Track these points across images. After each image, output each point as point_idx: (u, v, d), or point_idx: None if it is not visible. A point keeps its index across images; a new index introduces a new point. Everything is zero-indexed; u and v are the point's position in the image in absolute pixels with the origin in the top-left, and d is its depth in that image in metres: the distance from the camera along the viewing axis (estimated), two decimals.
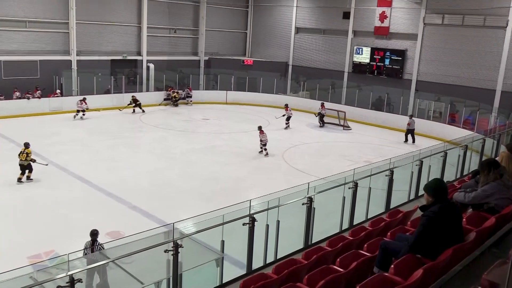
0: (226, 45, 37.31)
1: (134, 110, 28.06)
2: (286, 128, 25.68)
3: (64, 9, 28.32)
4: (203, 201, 14.38)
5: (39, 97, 26.30)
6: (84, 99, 25.78)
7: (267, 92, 33.25)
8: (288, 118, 25.81)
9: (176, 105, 30.93)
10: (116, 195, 14.71)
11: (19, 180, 15.51)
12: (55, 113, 26.29)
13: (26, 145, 16.07)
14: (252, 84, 34.02)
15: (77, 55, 28.97)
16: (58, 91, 27.73)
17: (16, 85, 26.15)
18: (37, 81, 27.20)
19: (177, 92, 31.46)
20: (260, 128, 20.76)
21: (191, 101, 31.81)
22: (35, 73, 27.57)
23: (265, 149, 20.18)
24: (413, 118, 24.53)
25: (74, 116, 25.44)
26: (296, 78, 35.03)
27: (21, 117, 24.84)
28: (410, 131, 24.13)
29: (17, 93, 26.00)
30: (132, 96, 28.35)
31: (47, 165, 16.58)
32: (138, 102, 28.16)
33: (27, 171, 15.70)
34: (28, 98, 25.90)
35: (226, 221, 7.43)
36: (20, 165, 15.65)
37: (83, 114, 25.60)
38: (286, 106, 26.20)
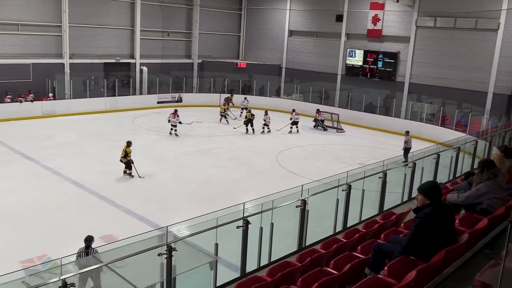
0: (220, 48, 37.33)
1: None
2: (290, 132, 25.55)
3: (56, 12, 28.23)
4: (197, 204, 14.34)
5: (31, 101, 26.17)
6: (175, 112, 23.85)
7: (261, 95, 33.30)
8: (294, 123, 25.69)
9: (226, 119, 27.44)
10: (109, 199, 14.65)
11: (129, 174, 16.79)
12: (47, 116, 26.17)
13: (128, 144, 16.82)
14: (245, 86, 34.13)
15: (70, 58, 28.87)
16: (50, 94, 27.62)
17: (8, 88, 26.01)
18: (30, 84, 27.07)
19: (228, 104, 28.88)
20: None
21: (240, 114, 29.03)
22: (28, 76, 27.43)
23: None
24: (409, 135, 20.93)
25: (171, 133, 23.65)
26: (290, 81, 35.12)
27: (13, 120, 24.72)
28: (408, 150, 19.73)
29: (9, 96, 25.86)
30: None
31: (142, 177, 16.73)
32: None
33: (124, 166, 16.72)
34: (21, 102, 25.77)
35: (220, 224, 7.41)
36: (120, 161, 16.75)
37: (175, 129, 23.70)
38: (293, 111, 26.09)
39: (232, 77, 34.36)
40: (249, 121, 24.95)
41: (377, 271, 4.82)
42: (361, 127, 28.17)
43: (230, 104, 29.50)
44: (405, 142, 20.43)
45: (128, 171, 16.80)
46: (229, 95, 31.19)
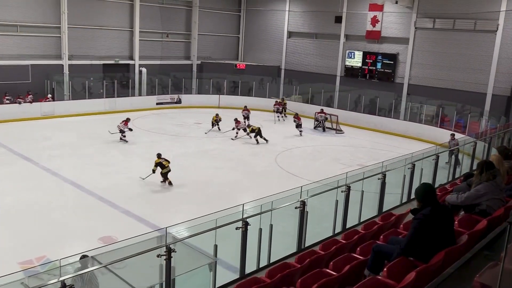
0: (219, 49, 37.31)
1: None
2: (301, 134, 25.36)
3: (55, 13, 28.22)
4: (196, 205, 14.33)
5: (30, 102, 26.15)
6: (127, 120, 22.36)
7: (260, 96, 33.31)
8: (298, 125, 25.53)
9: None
10: (108, 200, 14.63)
11: (169, 183, 16.34)
12: (46, 118, 26.15)
13: (158, 155, 16.50)
14: (244, 88, 34.13)
15: (69, 59, 28.85)
16: (49, 95, 27.58)
17: (7, 89, 25.97)
18: (29, 85, 27.04)
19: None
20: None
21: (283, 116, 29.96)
22: (27, 77, 27.40)
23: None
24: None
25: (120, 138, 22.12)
26: (289, 82, 35.12)
27: (12, 121, 24.71)
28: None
29: (8, 97, 25.83)
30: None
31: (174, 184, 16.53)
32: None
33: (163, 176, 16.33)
34: (20, 103, 25.74)
35: (219, 225, 7.41)
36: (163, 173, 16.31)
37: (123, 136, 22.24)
38: (296, 115, 26.08)
39: (231, 78, 34.36)
40: (258, 133, 23.13)
41: (376, 272, 4.82)
42: (360, 128, 28.18)
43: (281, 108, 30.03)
44: (457, 144, 18.77)
45: (167, 180, 16.32)
46: (280, 99, 31.37)
